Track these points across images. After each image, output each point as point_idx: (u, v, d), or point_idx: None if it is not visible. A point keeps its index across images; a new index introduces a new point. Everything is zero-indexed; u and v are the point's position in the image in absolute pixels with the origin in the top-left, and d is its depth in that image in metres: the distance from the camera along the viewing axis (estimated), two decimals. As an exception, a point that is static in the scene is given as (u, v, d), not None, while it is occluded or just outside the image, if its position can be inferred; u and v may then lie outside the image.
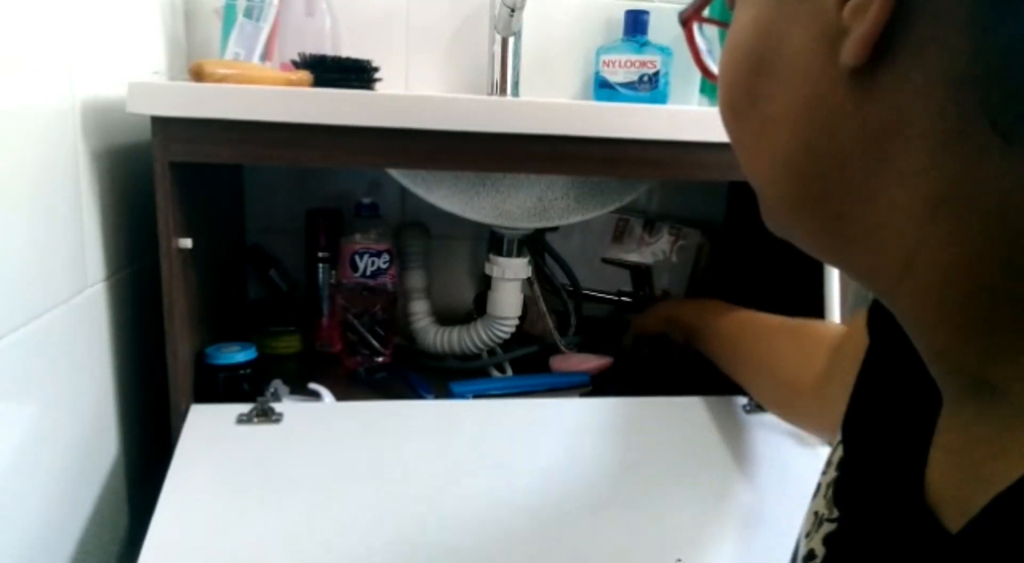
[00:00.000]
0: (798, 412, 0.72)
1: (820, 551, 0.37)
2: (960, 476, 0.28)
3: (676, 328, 1.01)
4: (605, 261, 1.26)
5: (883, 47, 0.25)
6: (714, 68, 0.37)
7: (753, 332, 0.82)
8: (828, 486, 0.40)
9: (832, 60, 0.27)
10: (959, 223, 0.25)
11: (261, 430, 0.80)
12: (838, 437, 0.42)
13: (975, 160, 0.24)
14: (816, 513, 0.39)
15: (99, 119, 0.78)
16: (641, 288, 1.27)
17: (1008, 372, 0.26)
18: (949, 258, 0.26)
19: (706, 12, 0.39)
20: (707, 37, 0.41)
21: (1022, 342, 0.25)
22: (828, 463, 0.42)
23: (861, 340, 0.48)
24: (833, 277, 0.91)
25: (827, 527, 0.37)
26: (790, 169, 0.30)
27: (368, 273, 1.04)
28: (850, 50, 0.26)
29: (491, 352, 1.13)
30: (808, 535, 0.40)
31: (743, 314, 0.87)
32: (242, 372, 0.90)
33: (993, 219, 0.25)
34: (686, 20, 0.38)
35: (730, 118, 0.33)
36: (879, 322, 0.44)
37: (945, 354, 0.29)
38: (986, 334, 0.26)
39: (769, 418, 0.85)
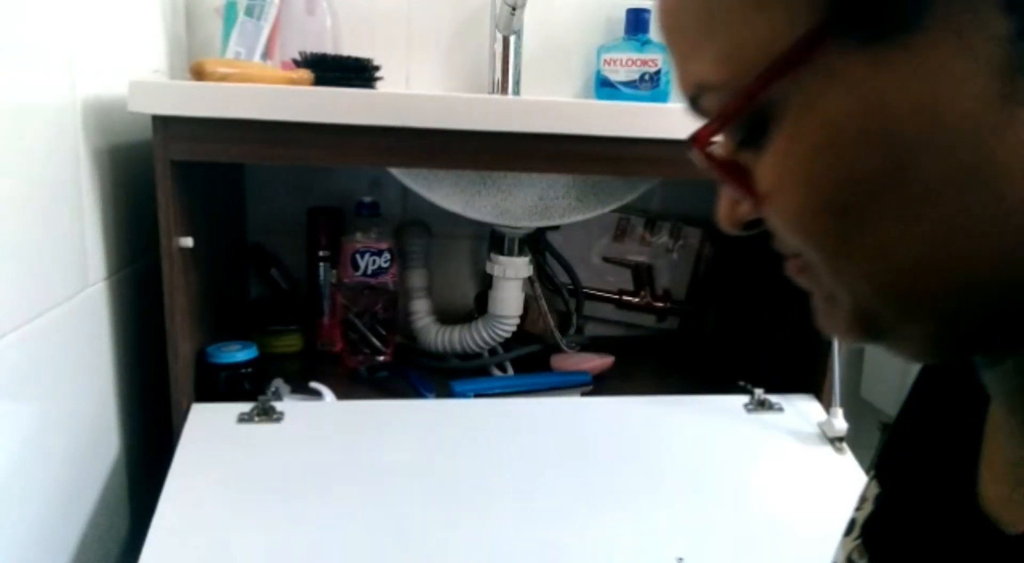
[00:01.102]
0: None
1: None
2: (1018, 492, 0.29)
3: None
4: (606, 260, 1.26)
5: None
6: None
7: None
8: (862, 527, 0.40)
9: (1003, 112, 0.23)
10: None
11: (262, 429, 0.80)
12: (871, 472, 0.42)
13: None
14: (849, 560, 0.39)
15: (100, 118, 0.78)
16: (642, 287, 1.27)
17: None
18: None
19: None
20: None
21: None
22: (863, 499, 0.42)
23: None
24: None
25: None
26: (943, 269, 0.26)
27: (369, 272, 1.04)
28: None
29: (492, 351, 1.13)
30: None
31: None
32: (243, 371, 0.90)
33: None
34: (703, 139, 0.30)
35: (819, 240, 0.28)
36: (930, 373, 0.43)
37: None
38: None
39: (770, 417, 0.85)
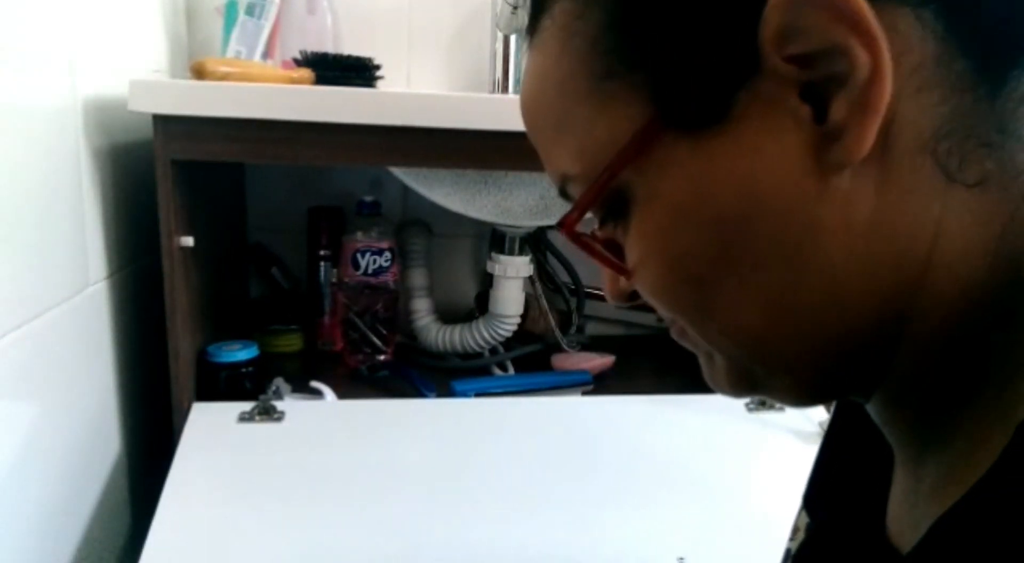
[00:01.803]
0: None
1: None
2: (911, 510, 0.30)
3: None
4: (607, 259, 1.25)
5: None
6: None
7: None
8: (794, 557, 0.41)
9: (820, 181, 0.26)
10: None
11: (263, 428, 0.80)
12: (800, 505, 0.42)
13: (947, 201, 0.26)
14: None
15: (101, 117, 0.78)
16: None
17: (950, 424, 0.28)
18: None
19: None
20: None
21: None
22: (795, 529, 0.43)
23: None
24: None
25: None
26: (802, 327, 0.28)
27: (370, 271, 1.03)
28: (852, 146, 0.25)
29: (493, 350, 1.13)
30: None
31: None
32: (244, 370, 0.90)
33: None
34: (570, 225, 0.31)
35: (686, 315, 0.31)
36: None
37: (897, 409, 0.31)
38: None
39: (771, 416, 0.85)
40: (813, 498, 0.42)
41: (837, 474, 0.41)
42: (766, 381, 0.31)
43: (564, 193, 0.34)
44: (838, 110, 0.25)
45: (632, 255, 0.31)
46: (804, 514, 0.42)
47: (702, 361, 0.35)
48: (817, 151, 0.26)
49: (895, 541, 0.31)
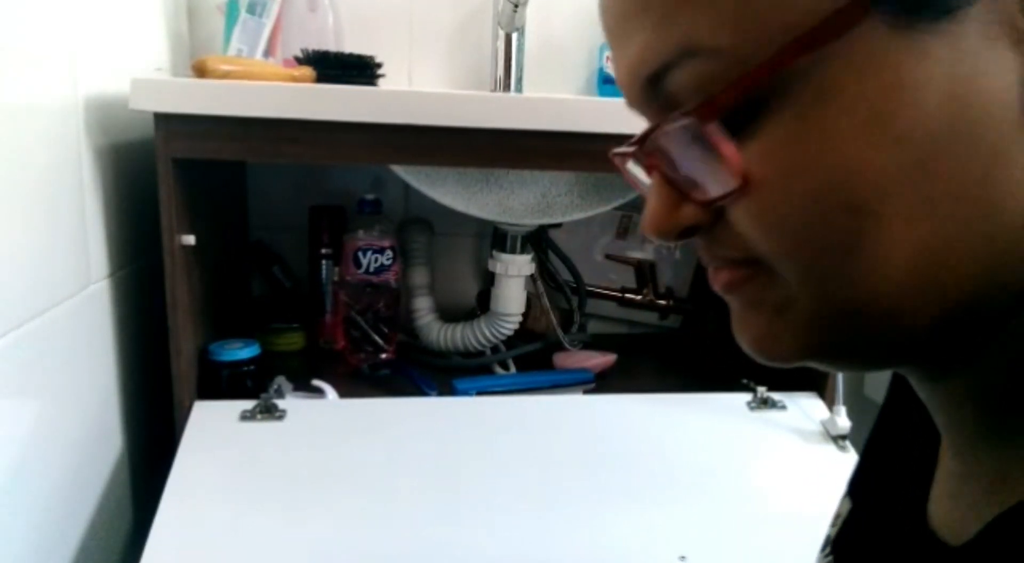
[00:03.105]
0: None
1: None
2: (958, 507, 0.29)
3: None
4: (609, 257, 1.25)
5: None
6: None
7: None
8: (833, 542, 0.40)
9: None
10: None
11: (264, 427, 0.80)
12: (845, 490, 0.42)
13: None
14: None
15: (102, 116, 0.77)
16: (645, 284, 1.27)
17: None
18: None
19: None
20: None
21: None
22: (837, 515, 0.42)
23: None
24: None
25: None
26: (938, 276, 0.24)
27: (371, 270, 1.03)
28: None
29: (494, 349, 1.13)
30: None
31: None
32: (245, 369, 0.90)
33: None
34: (708, 115, 0.24)
35: (833, 227, 0.24)
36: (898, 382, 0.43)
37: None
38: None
39: (773, 415, 0.85)
40: (857, 483, 0.41)
41: (882, 459, 0.40)
42: (853, 339, 0.26)
43: (660, 79, 0.26)
44: None
45: (759, 170, 0.24)
46: (847, 500, 0.41)
47: (759, 317, 0.28)
48: None
49: (936, 527, 0.30)
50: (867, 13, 0.22)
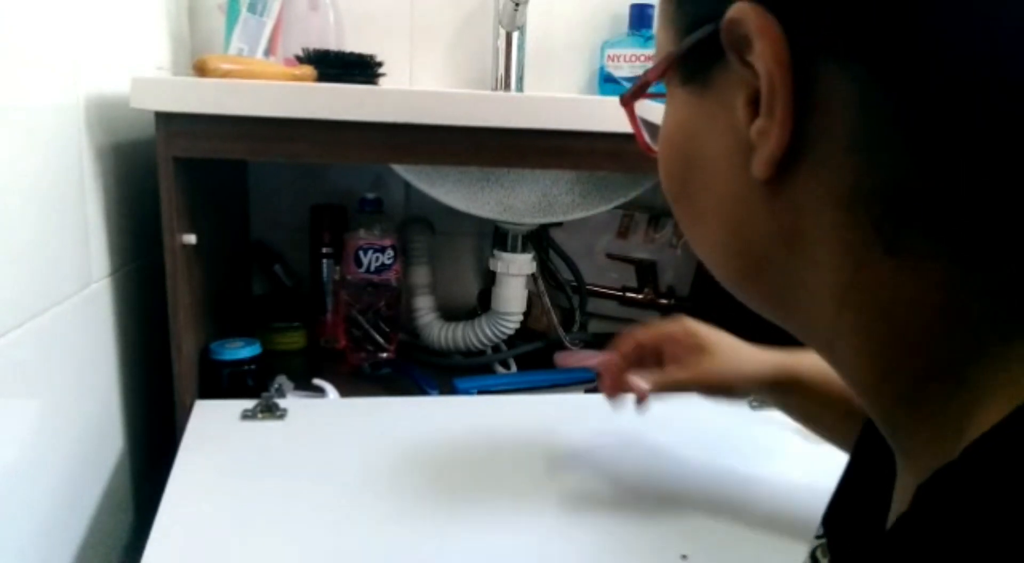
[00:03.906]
0: None
1: None
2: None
3: (773, 394, 0.71)
4: (610, 257, 1.25)
5: (785, 164, 0.28)
6: (654, 147, 0.40)
7: None
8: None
9: (745, 168, 0.29)
10: (859, 317, 0.28)
11: (265, 426, 0.80)
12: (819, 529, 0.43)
13: (865, 265, 0.27)
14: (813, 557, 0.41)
15: (103, 115, 0.77)
16: (646, 283, 1.27)
17: (906, 434, 0.30)
18: (857, 344, 0.29)
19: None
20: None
21: (915, 416, 0.29)
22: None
23: None
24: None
25: None
26: (725, 253, 0.34)
27: (372, 269, 1.03)
28: (756, 166, 0.28)
29: (495, 348, 1.13)
30: None
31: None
32: (246, 368, 0.90)
33: (880, 320, 0.28)
34: (626, 102, 0.41)
35: (671, 201, 0.37)
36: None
37: (869, 410, 0.32)
38: (890, 405, 0.30)
39: (775, 414, 0.84)
40: (830, 518, 0.42)
41: (852, 492, 0.42)
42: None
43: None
44: (755, 127, 0.28)
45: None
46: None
47: None
48: (743, 150, 0.29)
49: None
50: (675, 67, 0.33)
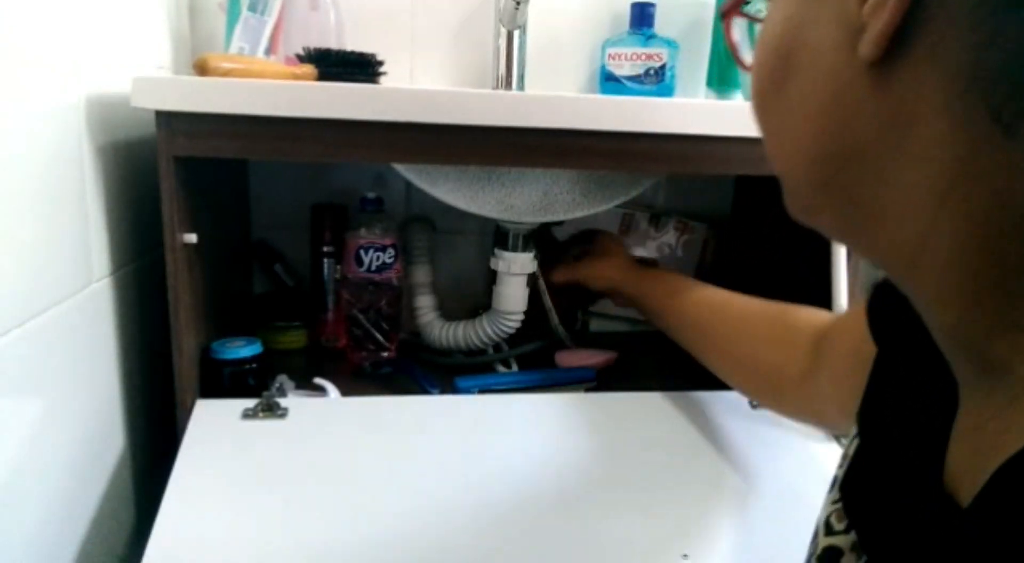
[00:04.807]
0: (781, 403, 0.72)
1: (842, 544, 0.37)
2: (973, 454, 0.29)
3: (625, 298, 1.00)
4: (611, 256, 1.25)
5: (898, 43, 0.27)
6: (748, 60, 0.40)
7: (727, 318, 0.80)
8: (840, 487, 0.40)
9: (852, 54, 0.28)
10: (966, 207, 0.27)
11: (266, 425, 0.80)
12: (854, 430, 0.41)
13: (978, 150, 0.26)
14: (828, 523, 0.39)
15: (104, 114, 0.77)
16: (647, 283, 1.26)
17: (1011, 348, 0.27)
18: (959, 238, 0.27)
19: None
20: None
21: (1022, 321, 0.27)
22: (844, 456, 0.42)
23: (855, 333, 0.47)
24: (840, 271, 0.90)
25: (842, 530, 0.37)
26: (812, 155, 0.32)
27: (373, 268, 1.03)
28: (867, 45, 0.27)
29: (496, 347, 1.13)
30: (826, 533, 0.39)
31: (713, 295, 0.84)
32: (247, 367, 0.90)
33: (995, 207, 0.26)
34: (725, 13, 0.42)
35: (759, 107, 0.36)
36: (881, 319, 0.44)
37: (956, 330, 0.30)
38: (992, 312, 0.28)
39: (776, 414, 0.84)
40: (867, 414, 0.41)
41: (894, 396, 0.40)
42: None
43: None
44: (869, 3, 0.27)
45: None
46: (855, 442, 0.41)
47: None
48: (852, 34, 0.29)
49: (952, 487, 0.30)
50: None
